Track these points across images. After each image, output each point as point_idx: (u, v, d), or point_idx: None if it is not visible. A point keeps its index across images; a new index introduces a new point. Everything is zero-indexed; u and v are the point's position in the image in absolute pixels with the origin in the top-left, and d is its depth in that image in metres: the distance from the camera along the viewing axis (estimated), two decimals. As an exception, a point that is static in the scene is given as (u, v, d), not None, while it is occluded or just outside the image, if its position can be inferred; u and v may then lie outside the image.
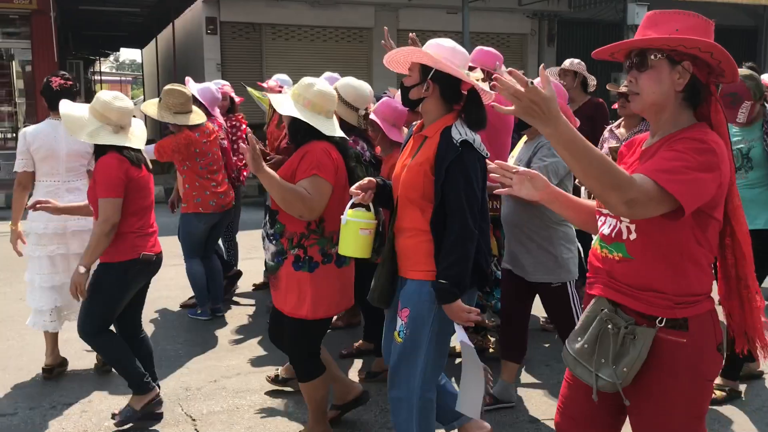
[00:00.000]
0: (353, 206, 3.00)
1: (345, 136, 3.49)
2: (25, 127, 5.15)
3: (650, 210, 1.93)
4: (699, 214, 2.01)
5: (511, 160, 3.86)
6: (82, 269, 3.61)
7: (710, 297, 2.12)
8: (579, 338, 2.18)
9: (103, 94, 3.76)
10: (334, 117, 3.47)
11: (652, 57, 2.07)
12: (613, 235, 2.15)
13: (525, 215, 3.78)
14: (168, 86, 5.36)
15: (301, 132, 3.31)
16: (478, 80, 2.97)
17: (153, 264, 3.85)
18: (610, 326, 2.08)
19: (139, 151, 3.79)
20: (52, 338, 4.49)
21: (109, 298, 3.71)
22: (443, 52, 2.91)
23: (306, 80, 3.36)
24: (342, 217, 3.01)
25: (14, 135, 16.17)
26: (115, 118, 3.68)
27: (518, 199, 3.26)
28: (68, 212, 4.08)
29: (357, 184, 3.00)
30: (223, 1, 16.10)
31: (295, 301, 3.32)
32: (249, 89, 6.58)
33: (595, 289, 2.20)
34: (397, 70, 3.12)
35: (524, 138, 4.00)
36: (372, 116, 4.32)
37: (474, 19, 16.03)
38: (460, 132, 2.87)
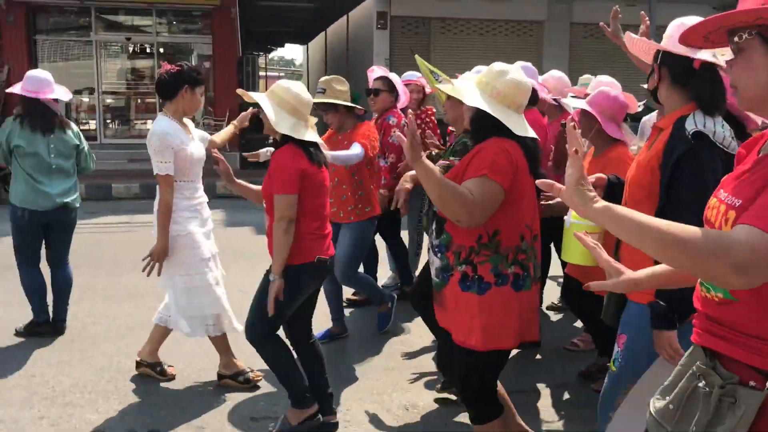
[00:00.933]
0: None
1: (536, 137, 2.94)
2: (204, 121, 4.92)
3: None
4: None
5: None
6: (274, 277, 3.37)
7: None
8: (665, 396, 1.66)
9: (294, 86, 3.49)
10: (521, 115, 2.92)
11: (737, 38, 1.55)
12: None
13: None
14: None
15: (484, 127, 2.83)
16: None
17: (327, 268, 3.60)
18: (701, 384, 1.54)
19: (317, 146, 3.53)
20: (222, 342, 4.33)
21: (279, 302, 3.42)
22: (669, 31, 2.49)
23: (497, 66, 2.86)
24: (565, 219, 2.74)
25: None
26: (306, 111, 3.46)
27: None
28: (243, 191, 3.80)
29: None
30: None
31: (463, 326, 2.84)
32: (417, 57, 6.27)
33: (694, 335, 1.66)
34: (646, 59, 2.64)
35: None
36: (587, 107, 3.90)
37: (658, 11, 15.01)
38: (696, 122, 2.41)
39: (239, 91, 3.69)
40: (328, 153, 4.22)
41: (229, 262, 5.42)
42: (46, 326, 5.09)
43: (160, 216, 3.97)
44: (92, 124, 16.33)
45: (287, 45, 29.93)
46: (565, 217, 2.66)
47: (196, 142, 4.19)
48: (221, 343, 4.29)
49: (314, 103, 3.85)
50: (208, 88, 16.46)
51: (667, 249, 1.42)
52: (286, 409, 3.64)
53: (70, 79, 16.43)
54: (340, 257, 4.67)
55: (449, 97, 3.72)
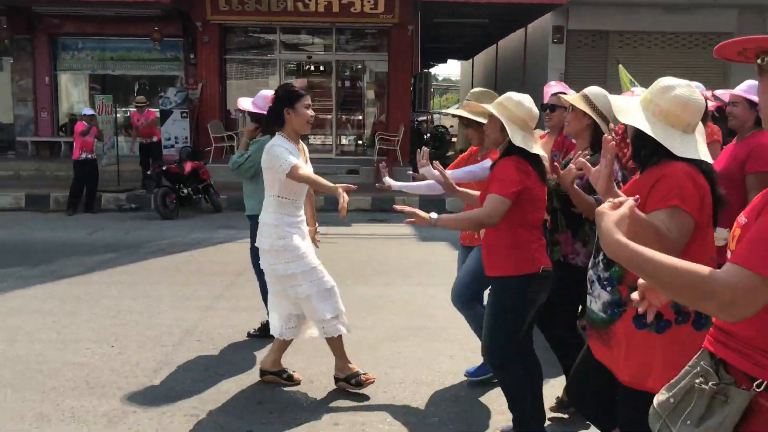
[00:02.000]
0: None
1: (710, 160, 2.58)
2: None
3: (758, 302, 1.54)
4: None
5: None
6: (435, 215, 3.37)
7: None
8: (669, 391, 1.84)
9: (525, 100, 3.45)
10: (697, 134, 2.59)
11: (760, 60, 1.65)
12: None
13: None
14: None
15: (646, 148, 2.55)
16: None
17: (550, 279, 3.45)
18: (699, 380, 1.73)
19: (541, 160, 3.43)
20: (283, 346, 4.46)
21: (514, 315, 3.32)
22: None
23: (663, 81, 2.56)
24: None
25: (363, 144, 17.40)
26: (533, 125, 3.41)
27: None
28: (463, 196, 3.83)
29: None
30: (572, 9, 15.70)
31: (637, 368, 2.53)
32: (620, 67, 5.93)
33: (705, 341, 1.84)
34: None
35: None
36: None
37: None
38: None
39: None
40: (456, 171, 4.22)
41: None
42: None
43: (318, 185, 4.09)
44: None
45: (449, 61, 30.14)
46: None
47: (308, 165, 4.28)
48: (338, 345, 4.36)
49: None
50: (383, 106, 16.89)
51: (667, 290, 1.64)
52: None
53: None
54: (460, 278, 4.42)
55: (573, 108, 3.56)
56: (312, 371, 4.63)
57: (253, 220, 5.10)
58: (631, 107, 2.58)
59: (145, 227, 10.55)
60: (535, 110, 3.42)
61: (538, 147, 3.42)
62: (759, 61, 1.63)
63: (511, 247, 3.35)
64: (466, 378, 4.53)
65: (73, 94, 17.33)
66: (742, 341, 1.68)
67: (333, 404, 4.17)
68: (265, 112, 5.18)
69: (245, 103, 5.37)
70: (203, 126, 15.95)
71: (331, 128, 17.14)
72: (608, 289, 2.62)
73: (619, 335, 2.58)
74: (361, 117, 17.74)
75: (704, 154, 2.53)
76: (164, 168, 11.78)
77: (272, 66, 16.85)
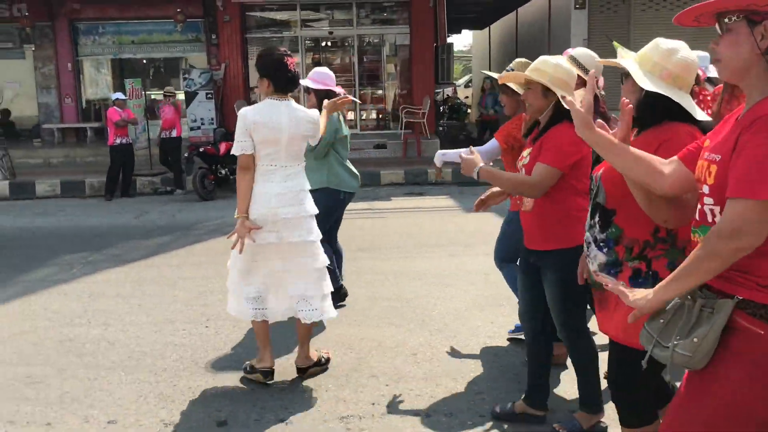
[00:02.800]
0: None
1: (709, 119, 2.65)
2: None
3: (763, 229, 1.81)
4: None
5: None
6: (480, 165, 3.34)
7: None
8: (657, 316, 2.08)
9: (561, 60, 3.33)
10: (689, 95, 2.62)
11: (727, 20, 1.93)
12: (698, 218, 2.05)
13: None
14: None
15: (656, 111, 2.56)
16: None
17: None
18: (688, 298, 1.99)
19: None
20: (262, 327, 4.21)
21: (572, 291, 3.25)
22: None
23: (665, 44, 2.55)
24: None
25: (387, 118, 17.39)
26: (573, 84, 3.26)
27: None
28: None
29: None
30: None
31: (630, 326, 2.45)
32: (615, 43, 5.92)
33: None
34: None
35: None
36: None
37: None
38: None
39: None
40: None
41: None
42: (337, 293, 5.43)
43: None
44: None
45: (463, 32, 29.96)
46: None
47: None
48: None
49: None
50: (406, 80, 16.82)
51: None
52: (576, 412, 3.55)
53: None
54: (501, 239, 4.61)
55: (528, 83, 3.39)
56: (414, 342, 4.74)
57: (320, 194, 5.21)
58: (637, 71, 2.55)
59: (188, 209, 10.63)
60: (573, 71, 3.34)
61: None
62: (726, 20, 1.92)
63: (568, 217, 3.28)
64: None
65: (96, 79, 17.31)
66: (742, 271, 1.90)
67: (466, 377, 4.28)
68: (330, 88, 5.28)
69: (306, 82, 5.39)
70: (227, 107, 15.95)
71: (354, 103, 17.12)
72: (604, 250, 2.68)
73: (616, 295, 2.52)
74: (382, 91, 17.73)
75: (702, 114, 2.59)
76: (201, 149, 11.84)
77: (293, 43, 16.80)
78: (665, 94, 2.48)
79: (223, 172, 12.01)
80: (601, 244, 2.68)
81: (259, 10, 16.63)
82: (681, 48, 2.55)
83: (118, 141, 12.00)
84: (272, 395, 4.02)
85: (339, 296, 5.46)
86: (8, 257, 7.60)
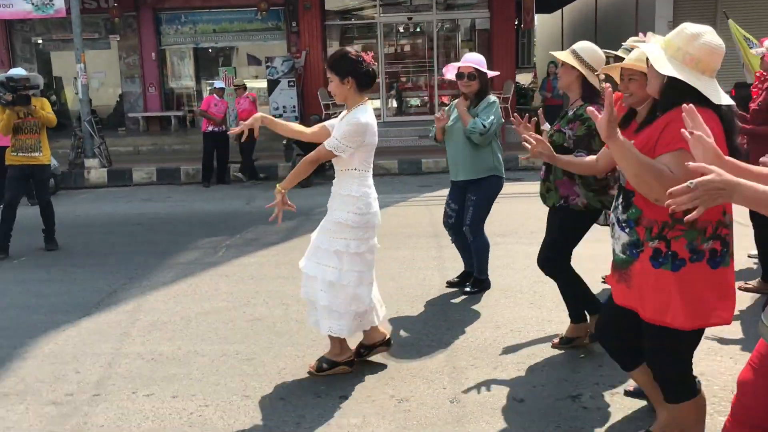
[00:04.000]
0: None
1: (732, 103, 2.63)
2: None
3: None
4: None
5: None
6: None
7: None
8: None
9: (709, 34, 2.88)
10: (715, 79, 2.62)
11: None
12: None
13: None
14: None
15: (677, 94, 2.55)
16: None
17: None
18: None
19: None
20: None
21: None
22: None
23: (690, 29, 2.58)
24: None
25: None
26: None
27: None
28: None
29: None
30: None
31: (655, 304, 2.69)
32: (731, 22, 5.78)
33: None
34: None
35: None
36: None
37: None
38: None
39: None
40: None
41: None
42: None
43: None
44: (375, 103, 17.21)
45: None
46: None
47: None
48: None
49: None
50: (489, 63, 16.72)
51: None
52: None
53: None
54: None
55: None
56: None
57: (488, 181, 5.28)
58: (660, 56, 2.58)
59: (293, 196, 10.65)
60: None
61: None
62: None
63: None
64: None
65: (179, 68, 17.57)
66: None
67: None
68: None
69: (451, 73, 5.39)
70: (308, 94, 16.07)
71: (430, 88, 17.11)
72: (626, 230, 2.76)
73: (638, 274, 2.73)
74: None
75: (727, 99, 2.57)
76: (299, 136, 11.95)
77: (372, 29, 16.82)
78: (680, 77, 2.51)
79: (321, 158, 12.11)
80: (623, 224, 2.79)
81: (340, -4, 16.70)
82: (706, 32, 2.56)
83: (210, 128, 12.16)
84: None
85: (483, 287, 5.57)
86: (145, 242, 7.78)
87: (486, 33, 16.54)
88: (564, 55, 3.87)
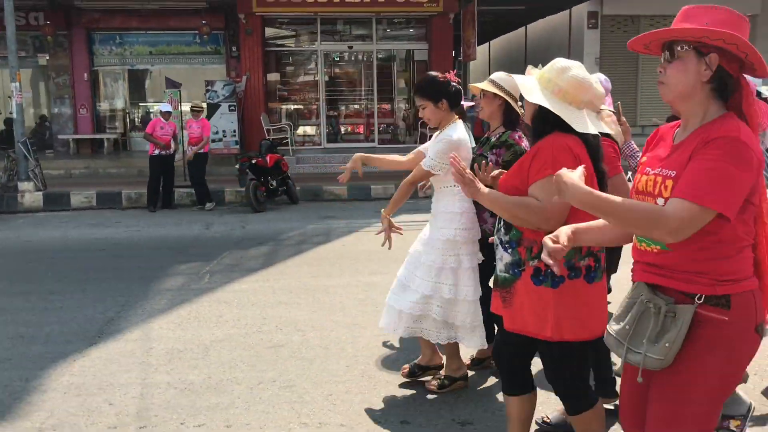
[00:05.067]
0: None
1: (598, 134, 2.88)
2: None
3: (696, 227, 2.01)
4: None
5: None
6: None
7: (753, 277, 2.14)
8: (620, 321, 2.26)
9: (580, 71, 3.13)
10: (584, 111, 2.85)
11: (679, 48, 2.13)
12: None
13: None
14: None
15: (547, 125, 2.79)
16: None
17: None
18: (651, 306, 2.16)
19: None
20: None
21: None
22: None
23: (560, 63, 2.82)
24: None
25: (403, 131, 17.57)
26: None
27: None
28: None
29: None
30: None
31: (535, 320, 2.85)
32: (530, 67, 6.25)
33: (635, 275, 2.28)
34: None
35: None
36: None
37: None
38: None
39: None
40: None
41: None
42: None
43: None
44: (313, 130, 17.22)
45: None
46: None
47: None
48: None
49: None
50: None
51: (624, 223, 2.10)
52: None
53: (293, 87, 17.42)
54: None
55: (484, 92, 3.90)
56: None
57: None
58: (533, 87, 2.80)
59: (251, 221, 10.60)
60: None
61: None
62: (678, 48, 2.12)
63: None
64: None
65: (112, 90, 17.03)
66: (669, 269, 2.15)
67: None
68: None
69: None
70: (248, 119, 15.92)
71: (373, 117, 17.31)
72: (509, 250, 2.92)
73: (521, 292, 2.88)
74: (400, 105, 17.92)
75: (594, 129, 2.80)
76: (253, 161, 11.80)
77: (312, 57, 16.90)
78: (546, 107, 2.73)
79: (274, 183, 12.02)
80: (506, 245, 2.94)
81: (280, 24, 16.69)
82: (574, 67, 2.79)
83: (156, 152, 11.83)
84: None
85: None
86: (119, 269, 7.49)
87: (424, 64, 16.90)
88: (486, 85, 3.91)
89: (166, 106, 12.29)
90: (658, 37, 2.18)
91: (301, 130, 17.19)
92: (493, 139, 4.08)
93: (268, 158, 11.94)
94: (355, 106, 17.69)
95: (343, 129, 17.79)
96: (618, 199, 2.06)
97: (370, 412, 3.94)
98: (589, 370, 3.10)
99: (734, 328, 2.09)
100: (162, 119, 11.89)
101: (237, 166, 12.17)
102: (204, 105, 13.06)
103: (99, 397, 4.18)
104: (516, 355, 3.08)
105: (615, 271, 4.04)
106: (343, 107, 17.66)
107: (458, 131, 3.93)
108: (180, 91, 13.77)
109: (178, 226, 10.25)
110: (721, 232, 2.08)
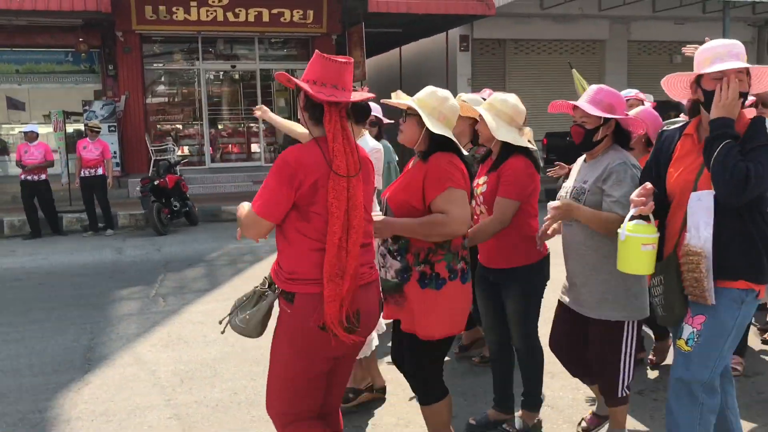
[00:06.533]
0: (632, 218, 2.83)
1: (465, 152, 3.29)
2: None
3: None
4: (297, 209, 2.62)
5: (571, 180, 3.55)
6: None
7: (319, 282, 2.55)
8: (244, 295, 2.85)
9: (511, 98, 3.69)
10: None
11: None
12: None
13: (590, 242, 3.35)
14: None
15: (434, 144, 3.12)
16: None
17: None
18: (257, 288, 2.77)
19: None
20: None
21: (534, 304, 3.71)
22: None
23: (440, 92, 3.18)
24: (620, 232, 2.83)
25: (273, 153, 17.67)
26: (521, 120, 3.70)
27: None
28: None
29: (636, 192, 2.87)
30: (476, 20, 17.29)
31: (420, 320, 3.11)
32: (574, 71, 7.17)
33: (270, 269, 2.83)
34: (674, 95, 3.06)
35: (582, 157, 3.58)
36: None
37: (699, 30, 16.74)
38: None
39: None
40: None
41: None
42: None
43: None
44: (196, 150, 16.87)
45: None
46: (619, 230, 2.85)
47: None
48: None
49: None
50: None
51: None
52: (518, 411, 3.89)
53: (174, 107, 17.01)
54: None
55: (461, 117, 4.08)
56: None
57: None
58: (424, 115, 3.11)
59: (161, 244, 10.33)
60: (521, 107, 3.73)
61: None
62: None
63: (525, 238, 3.63)
64: None
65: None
66: (279, 267, 2.67)
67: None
68: None
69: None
70: (128, 139, 15.36)
71: (257, 136, 17.28)
72: (398, 258, 3.14)
73: (410, 295, 3.11)
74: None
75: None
76: (156, 183, 11.46)
77: (194, 75, 16.61)
78: (443, 134, 3.07)
79: (177, 205, 11.75)
80: (395, 253, 3.15)
81: (160, 41, 16.27)
82: (450, 96, 3.18)
83: (23, 177, 11.09)
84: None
85: None
86: (60, 297, 7.12)
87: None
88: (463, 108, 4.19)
89: (29, 126, 11.45)
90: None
91: (186, 151, 16.77)
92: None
93: (168, 179, 11.67)
94: (238, 125, 17.56)
95: (228, 148, 17.58)
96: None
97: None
98: (442, 364, 3.33)
99: (294, 319, 2.63)
100: (27, 142, 11.10)
101: (138, 188, 11.73)
102: (101, 126, 12.35)
103: (132, 420, 4.11)
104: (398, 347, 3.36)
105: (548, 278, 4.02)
106: (224, 126, 17.47)
107: (370, 142, 4.37)
108: (64, 111, 13.07)
109: (86, 253, 9.78)
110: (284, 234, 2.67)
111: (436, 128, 3.04)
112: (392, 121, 5.43)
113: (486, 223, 3.57)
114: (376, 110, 5.30)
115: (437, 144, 3.09)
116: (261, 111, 4.25)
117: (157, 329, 5.88)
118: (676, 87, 2.99)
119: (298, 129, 4.07)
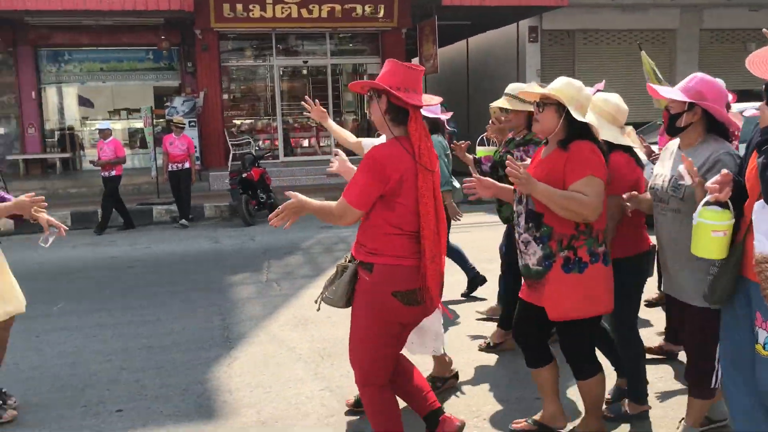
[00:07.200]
0: (707, 204, 2.77)
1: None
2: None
3: None
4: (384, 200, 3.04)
5: (666, 169, 3.47)
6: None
7: (394, 257, 3.03)
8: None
9: (612, 97, 3.82)
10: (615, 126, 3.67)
11: (368, 95, 3.25)
12: None
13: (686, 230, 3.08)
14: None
15: (572, 134, 3.27)
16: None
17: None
18: (339, 263, 3.25)
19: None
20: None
21: (632, 294, 3.75)
22: None
23: (574, 82, 3.33)
24: (693, 216, 2.82)
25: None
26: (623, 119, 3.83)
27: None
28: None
29: (713, 179, 2.75)
30: (547, 11, 17.28)
31: (567, 304, 3.27)
32: (643, 53, 7.21)
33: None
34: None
35: (673, 142, 3.53)
36: None
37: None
38: None
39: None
40: None
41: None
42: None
43: None
44: (269, 144, 17.27)
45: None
46: (694, 214, 2.82)
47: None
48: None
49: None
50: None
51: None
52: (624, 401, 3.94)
53: (249, 102, 17.41)
54: None
55: (512, 109, 4.49)
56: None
57: None
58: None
59: (253, 234, 10.68)
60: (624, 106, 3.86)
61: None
62: (367, 95, 3.15)
63: (629, 228, 3.68)
64: None
65: (62, 108, 16.43)
66: (360, 244, 3.14)
67: None
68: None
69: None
70: (207, 134, 15.81)
71: (319, 130, 17.58)
72: (540, 245, 3.29)
73: (551, 281, 3.27)
74: (346, 117, 18.27)
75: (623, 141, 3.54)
76: (244, 175, 11.82)
77: (268, 71, 16.99)
78: (586, 121, 3.25)
79: (264, 197, 12.11)
80: (538, 241, 3.30)
81: (235, 39, 16.68)
82: (583, 86, 3.31)
83: (104, 173, 11.54)
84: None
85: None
86: (174, 282, 7.49)
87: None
88: (517, 103, 4.44)
89: (103, 124, 11.89)
90: (364, 85, 3.24)
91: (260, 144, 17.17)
92: (518, 138, 4.56)
93: (253, 172, 12.03)
94: (308, 120, 17.89)
95: (301, 142, 17.93)
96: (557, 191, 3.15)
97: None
98: (594, 341, 3.55)
99: (373, 287, 3.10)
100: (103, 140, 11.54)
101: (227, 181, 12.14)
102: (186, 121, 12.80)
103: (288, 392, 4.36)
104: (533, 329, 3.50)
105: (651, 274, 4.06)
106: (296, 121, 17.83)
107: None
108: (152, 107, 13.55)
109: (184, 242, 10.19)
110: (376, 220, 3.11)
111: (580, 116, 3.22)
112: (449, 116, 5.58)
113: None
114: (436, 110, 5.26)
115: (576, 132, 3.26)
116: (319, 115, 4.47)
117: (282, 311, 6.17)
118: (766, 64, 2.63)
119: (348, 137, 4.48)
